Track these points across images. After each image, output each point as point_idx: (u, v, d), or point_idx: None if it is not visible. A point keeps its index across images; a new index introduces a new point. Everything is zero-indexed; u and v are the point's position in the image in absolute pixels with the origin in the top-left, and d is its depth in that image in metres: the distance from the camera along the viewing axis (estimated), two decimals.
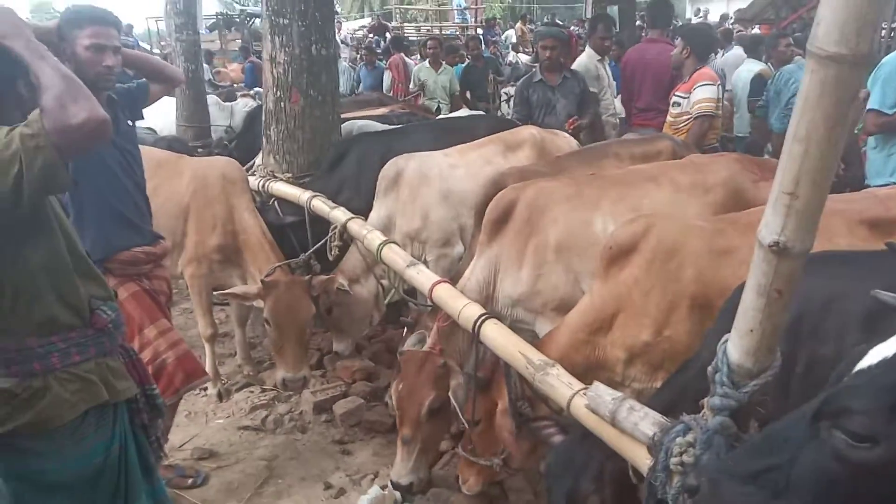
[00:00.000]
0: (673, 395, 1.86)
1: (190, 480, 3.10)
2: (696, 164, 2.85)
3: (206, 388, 3.77)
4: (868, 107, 3.69)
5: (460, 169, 3.87)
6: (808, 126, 1.21)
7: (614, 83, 5.69)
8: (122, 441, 1.86)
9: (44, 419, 1.68)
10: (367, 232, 3.31)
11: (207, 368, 3.88)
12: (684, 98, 4.31)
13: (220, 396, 3.86)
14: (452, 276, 3.22)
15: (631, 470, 1.76)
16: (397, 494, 2.88)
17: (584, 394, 1.88)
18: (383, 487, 2.90)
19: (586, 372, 2.21)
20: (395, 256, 3.04)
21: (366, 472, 3.11)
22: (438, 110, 7.85)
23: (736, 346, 1.48)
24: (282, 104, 4.41)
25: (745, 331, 1.44)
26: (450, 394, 2.56)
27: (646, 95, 5.10)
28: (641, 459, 1.68)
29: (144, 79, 2.91)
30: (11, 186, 1.47)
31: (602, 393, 1.82)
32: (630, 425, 1.71)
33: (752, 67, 6.06)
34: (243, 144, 5.94)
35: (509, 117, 5.76)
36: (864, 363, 1.06)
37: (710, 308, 2.07)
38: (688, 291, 2.12)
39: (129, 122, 2.82)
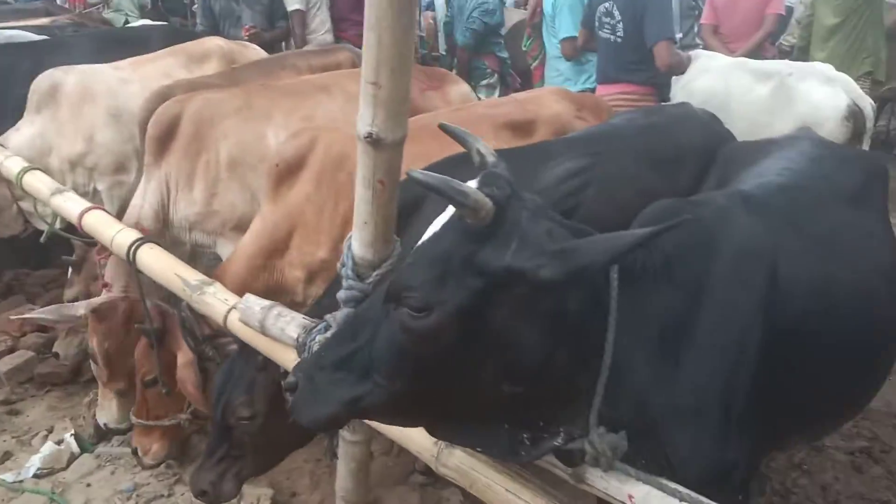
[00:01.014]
0: (328, 300, 1.88)
1: None
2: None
3: None
4: (561, 36, 3.97)
5: (134, 84, 3.43)
6: (377, 14, 1.22)
7: None
8: None
9: None
10: (4, 158, 2.82)
11: None
12: None
13: None
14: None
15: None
16: (73, 445, 2.63)
17: (237, 307, 1.82)
18: (58, 442, 2.62)
19: (267, 297, 2.15)
20: (39, 184, 2.63)
21: (38, 429, 2.77)
22: (126, 24, 6.95)
23: (357, 240, 1.52)
24: None
25: (361, 223, 1.48)
26: None
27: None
28: (292, 363, 1.69)
29: None
30: None
31: (252, 304, 1.78)
32: (278, 331, 1.70)
33: None
34: None
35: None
36: (421, 239, 1.13)
37: None
38: None
39: None
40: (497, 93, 4.62)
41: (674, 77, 3.80)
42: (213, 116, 2.57)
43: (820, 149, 1.84)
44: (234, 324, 1.85)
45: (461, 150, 2.27)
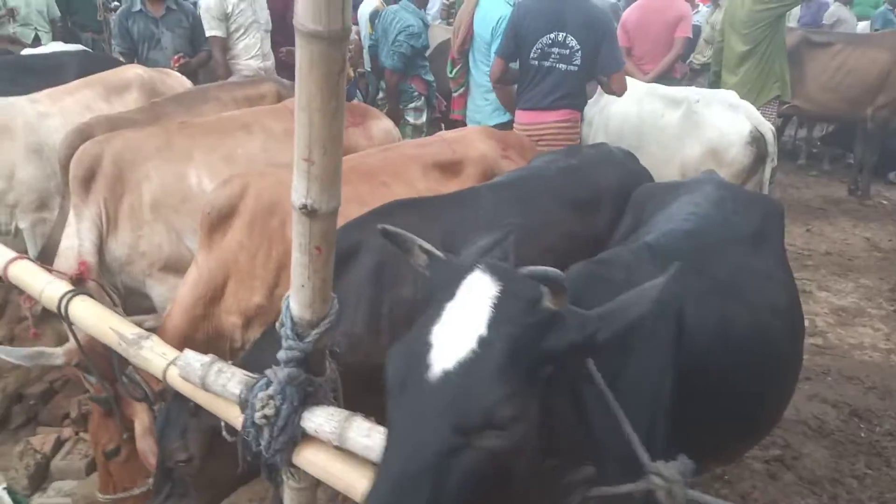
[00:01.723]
0: (262, 353, 1.93)
1: None
2: (290, 110, 2.90)
3: None
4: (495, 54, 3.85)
5: (54, 118, 3.36)
6: (307, 97, 1.28)
7: None
8: None
9: None
10: None
11: None
12: None
13: None
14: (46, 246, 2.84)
15: (224, 427, 1.81)
16: (6, 498, 2.56)
17: (176, 364, 1.84)
18: None
19: (208, 345, 2.17)
20: None
21: None
22: (37, 40, 6.69)
23: (295, 302, 1.58)
24: None
25: (298, 286, 1.54)
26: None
27: None
28: (236, 418, 1.73)
29: None
30: None
31: (191, 360, 1.80)
32: (219, 387, 1.73)
33: (370, 3, 6.28)
34: None
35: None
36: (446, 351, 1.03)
37: None
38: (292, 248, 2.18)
39: None
40: (424, 115, 4.71)
41: (590, 101, 3.98)
42: (135, 158, 2.56)
43: (722, 191, 2.01)
44: (174, 379, 1.87)
45: (389, 189, 2.37)
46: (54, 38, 6.61)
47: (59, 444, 2.83)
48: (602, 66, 3.51)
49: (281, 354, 1.60)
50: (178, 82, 3.87)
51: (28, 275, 2.32)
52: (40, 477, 2.69)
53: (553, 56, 3.58)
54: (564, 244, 1.98)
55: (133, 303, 2.65)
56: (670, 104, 3.84)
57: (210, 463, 2.00)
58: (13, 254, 2.43)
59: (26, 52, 4.60)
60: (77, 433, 2.88)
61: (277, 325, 1.64)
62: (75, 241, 2.44)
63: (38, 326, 2.77)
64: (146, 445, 2.12)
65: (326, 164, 1.36)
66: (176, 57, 4.35)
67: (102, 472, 2.29)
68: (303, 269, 1.52)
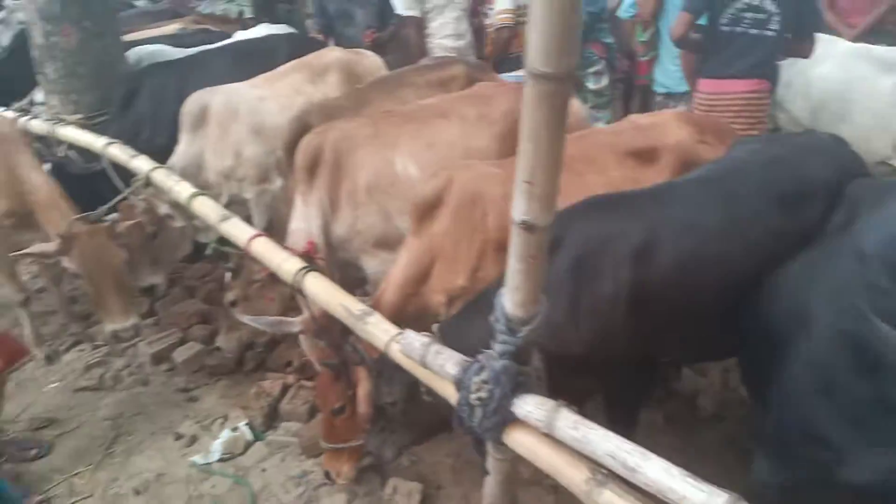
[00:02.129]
0: (465, 331, 2.14)
1: (33, 452, 3.06)
2: (481, 96, 3.04)
3: None
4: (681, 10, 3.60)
5: (270, 101, 3.81)
6: (534, 129, 1.42)
7: None
8: None
9: None
10: (175, 183, 3.21)
11: (27, 334, 3.73)
12: (490, 10, 4.43)
13: (48, 359, 3.74)
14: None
15: (425, 390, 2.08)
16: (248, 433, 3.07)
17: (397, 340, 2.11)
18: (234, 429, 3.07)
19: (416, 317, 2.44)
20: (207, 210, 3.00)
21: (215, 415, 3.24)
22: (241, 14, 7.34)
23: (508, 301, 1.75)
24: (53, 39, 3.98)
25: (514, 288, 1.71)
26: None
27: None
28: (452, 393, 1.97)
29: None
30: None
31: (412, 339, 2.05)
32: (437, 367, 1.97)
33: None
34: (12, 71, 5.29)
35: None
36: None
37: None
38: (492, 236, 2.37)
39: None
40: (605, 79, 4.64)
41: (788, 61, 3.72)
42: (350, 147, 2.86)
43: None
44: (395, 353, 2.15)
45: (583, 178, 2.45)
46: (257, 12, 7.23)
47: (284, 389, 3.30)
48: (800, 29, 3.27)
49: (497, 347, 1.79)
50: (372, 62, 4.16)
51: (267, 251, 2.72)
52: (272, 417, 3.18)
53: (746, 21, 3.39)
54: (770, 242, 1.97)
55: (347, 274, 3.00)
56: (884, 67, 3.49)
57: (412, 409, 2.33)
58: (253, 231, 2.84)
59: (239, 34, 5.11)
60: (299, 380, 3.33)
61: (491, 319, 1.83)
62: (303, 224, 2.79)
63: (268, 291, 3.23)
64: (366, 409, 2.45)
65: (546, 185, 1.50)
66: (368, 32, 4.62)
67: (327, 425, 2.61)
68: (518, 275, 1.69)
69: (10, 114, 4.39)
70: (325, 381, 2.53)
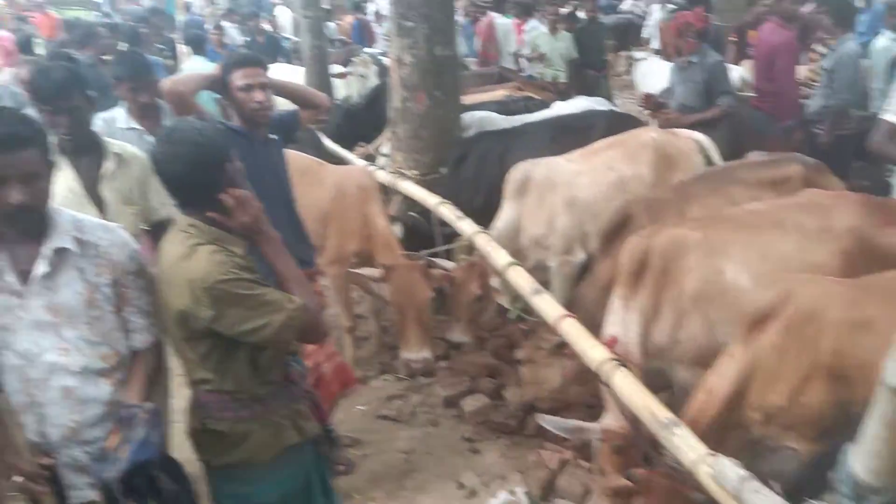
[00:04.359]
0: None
1: (342, 467, 3.49)
2: (820, 206, 2.79)
3: None
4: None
5: (585, 176, 3.96)
6: None
7: None
8: (308, 470, 2.22)
9: (248, 457, 2.06)
10: (493, 249, 3.49)
11: (346, 356, 4.31)
12: None
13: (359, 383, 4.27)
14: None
15: None
16: (524, 501, 3.16)
17: (708, 464, 2.02)
18: (511, 492, 3.19)
19: (723, 430, 2.33)
20: (521, 281, 3.20)
21: (494, 473, 3.38)
22: (556, 79, 7.76)
23: (860, 463, 1.58)
24: (408, 104, 4.61)
25: (869, 453, 1.54)
26: None
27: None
28: None
29: (297, 107, 3.21)
30: (251, 334, 1.89)
31: (727, 468, 1.96)
32: None
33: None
34: (365, 119, 6.24)
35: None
36: None
37: (846, 380, 2.14)
38: (822, 360, 2.18)
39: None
40: None
41: None
42: (678, 253, 2.80)
43: None
44: (702, 475, 2.06)
45: None
46: (570, 77, 7.60)
47: (562, 463, 3.34)
48: None
49: None
50: (686, 144, 4.10)
51: (576, 333, 2.81)
52: (548, 489, 3.23)
53: None
54: None
55: (651, 383, 2.92)
56: None
57: None
58: (563, 311, 2.96)
59: (558, 105, 5.40)
60: (576, 458, 3.35)
61: (835, 475, 1.67)
62: (620, 329, 2.79)
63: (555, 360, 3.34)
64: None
65: None
66: (646, 95, 4.50)
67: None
68: (880, 442, 1.52)
69: (361, 162, 5.20)
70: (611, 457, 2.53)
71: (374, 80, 7.66)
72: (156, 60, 6.99)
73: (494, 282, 3.81)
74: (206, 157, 1.87)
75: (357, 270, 3.74)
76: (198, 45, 7.03)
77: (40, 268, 1.90)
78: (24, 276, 1.91)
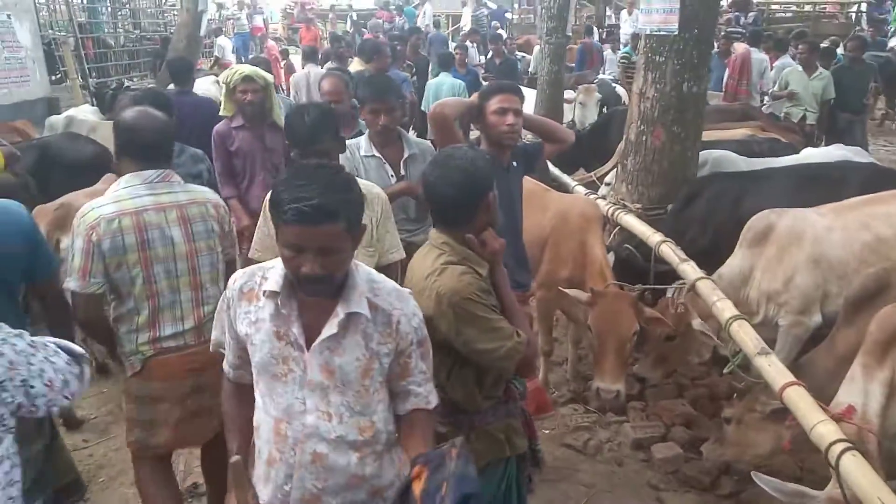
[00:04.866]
0: None
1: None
2: None
3: None
4: None
5: (836, 233, 3.61)
6: None
7: None
8: (510, 484, 2.27)
9: None
10: (718, 299, 3.29)
11: (539, 379, 4.32)
12: None
13: None
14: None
15: None
16: None
17: None
18: None
19: None
20: (746, 337, 2.98)
21: None
22: (804, 119, 7.16)
23: None
24: (643, 138, 4.52)
25: None
26: None
27: None
28: None
29: (541, 140, 3.30)
30: (480, 354, 2.05)
31: None
32: None
33: None
34: (588, 146, 6.23)
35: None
36: None
37: None
38: None
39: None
40: None
41: None
42: None
43: None
44: None
45: None
46: (821, 118, 6.98)
47: None
48: None
49: None
50: None
51: (803, 404, 2.56)
52: None
53: None
54: None
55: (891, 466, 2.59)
56: None
57: None
58: (790, 377, 2.72)
59: (808, 152, 4.96)
60: None
61: None
62: (859, 399, 2.51)
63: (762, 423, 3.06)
64: None
65: None
66: None
67: None
68: None
69: (581, 189, 5.19)
70: None
71: (593, 110, 7.67)
72: (403, 76, 7.66)
73: (710, 329, 3.60)
74: (474, 185, 2.05)
75: (567, 290, 3.73)
76: (446, 63, 7.54)
77: (329, 329, 1.78)
78: (311, 331, 1.80)
